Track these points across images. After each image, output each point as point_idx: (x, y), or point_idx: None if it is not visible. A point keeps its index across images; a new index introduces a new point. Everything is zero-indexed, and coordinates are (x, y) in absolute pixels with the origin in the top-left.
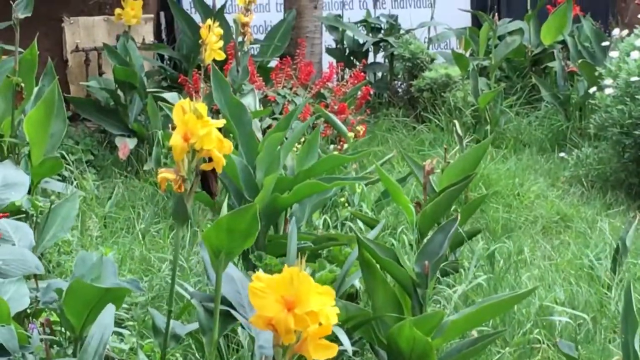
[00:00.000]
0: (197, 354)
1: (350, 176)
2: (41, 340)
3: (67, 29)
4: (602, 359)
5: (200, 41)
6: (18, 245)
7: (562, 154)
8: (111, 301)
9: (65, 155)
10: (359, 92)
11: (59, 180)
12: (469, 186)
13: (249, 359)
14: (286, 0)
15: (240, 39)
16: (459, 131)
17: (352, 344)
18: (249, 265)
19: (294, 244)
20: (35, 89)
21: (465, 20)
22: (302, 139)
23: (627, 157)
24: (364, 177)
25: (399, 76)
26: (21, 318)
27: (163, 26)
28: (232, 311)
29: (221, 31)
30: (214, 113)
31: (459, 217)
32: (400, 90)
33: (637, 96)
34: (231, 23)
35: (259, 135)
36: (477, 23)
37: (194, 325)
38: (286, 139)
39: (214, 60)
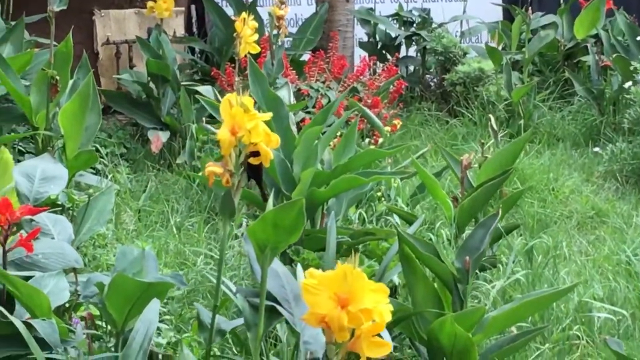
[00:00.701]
0: (234, 348)
1: (387, 171)
2: (84, 334)
3: (98, 22)
4: None
5: (234, 34)
6: (57, 239)
7: (596, 149)
8: (154, 295)
9: (99, 149)
10: (392, 86)
11: (92, 173)
12: None
13: (288, 354)
14: None
15: (275, 32)
16: (494, 126)
17: (392, 339)
18: (286, 260)
19: (333, 239)
20: (70, 82)
21: (497, 14)
22: (338, 133)
23: None
24: (401, 172)
25: (431, 70)
26: (60, 312)
27: (194, 19)
28: (277, 306)
29: (256, 24)
30: None
31: (499, 213)
32: (432, 84)
33: None
34: (263, 16)
35: (294, 129)
36: (508, 17)
37: (240, 321)
38: (322, 133)
39: (248, 54)
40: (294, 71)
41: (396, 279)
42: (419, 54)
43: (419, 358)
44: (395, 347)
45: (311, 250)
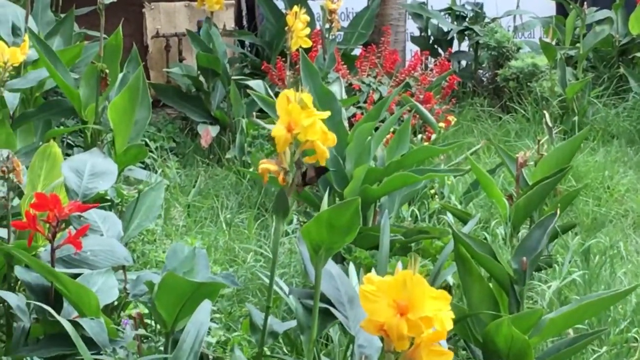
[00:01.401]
0: (284, 348)
1: (442, 168)
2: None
3: (147, 15)
4: None
5: (285, 28)
6: (106, 236)
7: None
8: (205, 296)
9: (148, 143)
10: (444, 82)
11: (141, 168)
12: None
13: (340, 355)
14: None
15: (327, 26)
16: (549, 122)
17: (447, 341)
18: (338, 258)
19: (386, 238)
20: (120, 75)
21: (551, 9)
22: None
23: None
24: (455, 169)
25: (484, 65)
26: (109, 310)
27: (244, 12)
28: (331, 309)
29: (308, 18)
30: None
31: (557, 213)
32: (484, 79)
33: None
34: (314, 9)
35: (345, 124)
36: (562, 11)
37: (293, 323)
38: (375, 129)
39: (300, 48)
40: (345, 66)
41: (450, 279)
42: (471, 49)
43: None
44: (449, 349)
45: (363, 248)
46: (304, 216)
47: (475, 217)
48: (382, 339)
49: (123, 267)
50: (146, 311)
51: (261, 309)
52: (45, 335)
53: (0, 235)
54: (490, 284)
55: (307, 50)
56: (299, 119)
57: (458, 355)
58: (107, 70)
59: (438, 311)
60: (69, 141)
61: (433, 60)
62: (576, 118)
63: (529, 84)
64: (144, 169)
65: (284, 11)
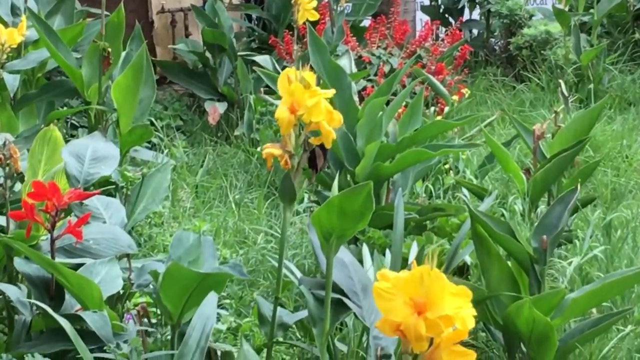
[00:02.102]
0: (298, 333)
1: (456, 143)
2: (138, 332)
3: None
4: None
5: (292, 1)
6: (109, 223)
7: None
8: (212, 287)
9: (154, 122)
10: (456, 52)
11: (147, 148)
12: None
13: (355, 340)
14: None
15: None
16: (565, 91)
17: None
18: (351, 239)
19: (400, 217)
20: (123, 54)
21: None
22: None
23: None
24: (471, 144)
25: (496, 34)
26: (113, 300)
27: None
28: (344, 299)
29: None
30: None
31: (578, 188)
32: (497, 48)
33: None
34: None
35: (356, 99)
36: None
37: (303, 314)
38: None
39: (307, 21)
40: (354, 38)
41: (468, 259)
42: (482, 18)
43: (494, 343)
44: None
45: (376, 228)
46: (315, 195)
47: (492, 195)
48: (400, 341)
49: (127, 256)
50: (151, 301)
51: (272, 294)
52: (47, 328)
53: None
54: (509, 264)
55: (315, 23)
56: (302, 99)
57: (477, 338)
58: (110, 49)
59: (459, 309)
60: (73, 122)
61: (444, 29)
62: (592, 86)
63: (542, 52)
64: (151, 149)
65: None
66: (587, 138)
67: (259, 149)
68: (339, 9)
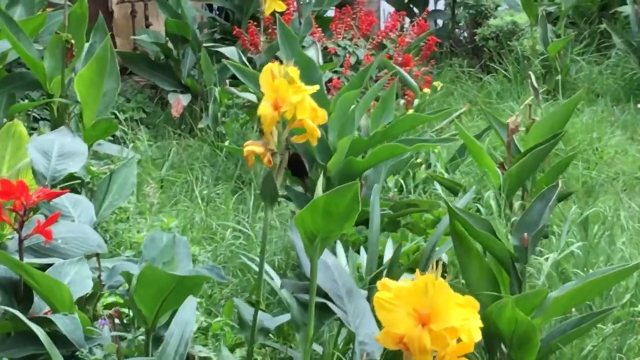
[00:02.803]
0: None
1: (432, 138)
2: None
3: None
4: None
5: None
6: (78, 221)
7: None
8: (188, 289)
9: (117, 114)
10: (423, 43)
11: (110, 141)
12: None
13: (330, 342)
14: None
15: None
16: (535, 83)
17: None
18: None
19: (377, 215)
20: (86, 45)
21: None
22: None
23: None
24: (447, 139)
25: (461, 24)
26: (82, 301)
27: None
28: (329, 303)
29: None
30: None
31: (559, 184)
32: (462, 39)
33: None
34: None
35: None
36: None
37: (284, 318)
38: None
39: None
40: (320, 29)
41: (444, 256)
42: (448, 8)
43: None
44: None
45: None
46: (285, 190)
47: (470, 191)
48: (402, 354)
49: (97, 255)
50: (122, 301)
51: (241, 292)
52: (15, 332)
53: None
54: (490, 262)
55: (280, 14)
56: (287, 95)
57: None
58: (73, 41)
59: (465, 320)
60: (35, 114)
61: (409, 20)
62: (559, 77)
63: (509, 42)
64: (113, 142)
65: None
66: (562, 132)
67: (227, 142)
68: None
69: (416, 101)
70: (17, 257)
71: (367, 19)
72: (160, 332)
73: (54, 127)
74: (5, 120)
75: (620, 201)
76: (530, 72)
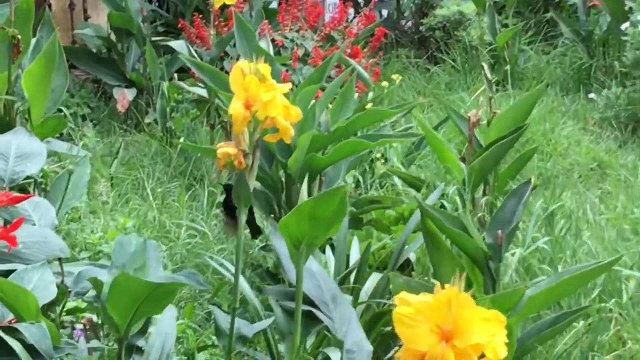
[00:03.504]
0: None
1: (395, 133)
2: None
3: None
4: None
5: None
6: (38, 225)
7: (591, 95)
8: (162, 296)
9: (62, 110)
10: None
11: (57, 138)
12: None
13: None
14: None
15: None
16: (488, 74)
17: None
18: None
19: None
20: (33, 41)
21: None
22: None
23: None
24: (411, 134)
25: (406, 14)
26: (44, 308)
27: None
28: (315, 311)
29: None
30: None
31: (532, 181)
32: (408, 29)
33: None
34: None
35: None
36: None
37: (264, 323)
38: None
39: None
40: (267, 20)
41: (412, 254)
42: None
43: None
44: None
45: None
46: None
47: (439, 187)
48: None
49: (59, 259)
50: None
51: (200, 291)
52: None
53: None
54: (462, 261)
55: (227, 7)
56: (258, 93)
57: None
58: (20, 36)
59: (491, 337)
60: None
61: (352, 11)
62: (508, 67)
63: (456, 32)
64: (59, 138)
65: None
66: (525, 125)
67: (182, 139)
68: None
69: (370, 94)
70: None
71: (314, 10)
72: (132, 341)
73: (0, 124)
74: None
75: (580, 194)
76: (483, 63)
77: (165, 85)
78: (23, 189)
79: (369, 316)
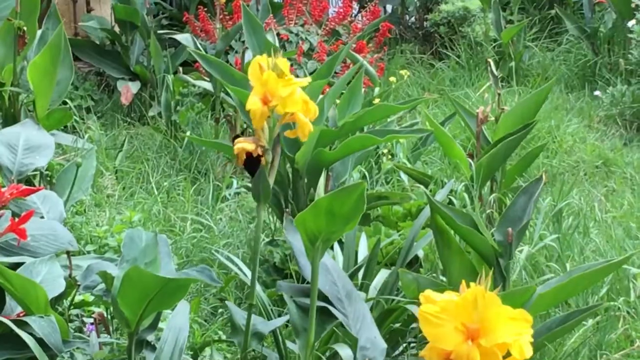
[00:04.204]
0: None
1: (404, 128)
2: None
3: None
4: None
5: None
6: (47, 218)
7: (596, 92)
8: (174, 291)
9: (67, 102)
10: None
11: (61, 131)
12: None
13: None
14: None
15: None
16: (494, 70)
17: None
18: None
19: None
20: (39, 32)
21: None
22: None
23: None
24: (420, 130)
25: (410, 10)
26: (52, 302)
27: None
28: (330, 307)
29: None
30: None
31: (543, 178)
32: (412, 25)
33: None
34: None
35: None
36: None
37: (280, 321)
38: None
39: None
40: (271, 15)
41: (420, 251)
42: None
43: None
44: None
45: None
46: (242, 179)
47: (449, 183)
48: None
49: (67, 253)
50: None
51: (206, 285)
52: None
53: None
54: (472, 258)
55: (232, 0)
56: (276, 88)
57: None
58: (25, 28)
59: (517, 335)
60: None
61: (357, 6)
62: (513, 63)
63: (460, 28)
64: (64, 131)
65: None
66: (534, 122)
67: (188, 133)
68: None
69: (376, 90)
70: None
71: (319, 5)
72: (143, 335)
73: (4, 116)
74: None
75: (586, 191)
76: (489, 59)
77: (170, 78)
78: (28, 181)
79: (377, 312)
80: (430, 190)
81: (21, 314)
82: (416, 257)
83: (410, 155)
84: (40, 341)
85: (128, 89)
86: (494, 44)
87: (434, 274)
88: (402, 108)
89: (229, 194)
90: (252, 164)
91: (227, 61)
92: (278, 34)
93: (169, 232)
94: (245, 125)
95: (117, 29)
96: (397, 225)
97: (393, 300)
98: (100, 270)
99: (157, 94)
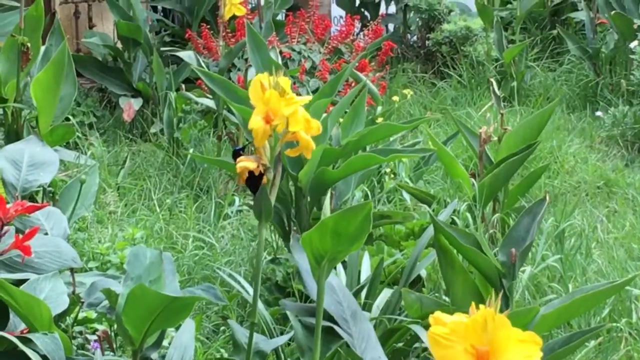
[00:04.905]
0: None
1: (407, 148)
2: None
3: None
4: None
5: None
6: (51, 235)
7: (598, 113)
8: (179, 309)
9: (69, 118)
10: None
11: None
12: None
13: None
14: None
15: None
16: (497, 90)
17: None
18: None
19: None
20: (42, 49)
21: None
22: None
23: None
24: (423, 149)
25: (412, 29)
26: (55, 318)
27: None
28: (336, 327)
29: None
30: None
31: (547, 198)
32: (414, 44)
33: None
34: None
35: None
36: None
37: (283, 339)
38: None
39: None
40: (274, 32)
41: (422, 270)
42: (399, 12)
43: None
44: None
45: None
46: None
47: (452, 204)
48: None
49: (71, 270)
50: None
51: (207, 303)
52: None
53: None
54: (475, 278)
55: (235, 18)
56: (279, 107)
57: None
58: (29, 44)
59: (527, 358)
60: None
61: (359, 24)
62: (514, 83)
63: (462, 48)
64: (66, 147)
65: None
66: (537, 142)
67: (190, 150)
68: (268, 3)
69: (379, 109)
70: None
71: (322, 23)
72: (147, 353)
73: (7, 132)
74: None
75: (588, 212)
76: (491, 79)
77: (172, 95)
78: (31, 198)
79: (380, 332)
80: (433, 210)
81: (25, 331)
82: (419, 277)
83: (413, 175)
84: (44, 358)
85: (130, 106)
86: (495, 64)
87: (437, 294)
88: (406, 127)
89: (231, 212)
90: (253, 182)
91: (230, 79)
92: (281, 52)
93: (171, 250)
94: (247, 142)
95: (119, 45)
96: (399, 245)
97: (396, 319)
98: (104, 287)
99: (159, 110)
